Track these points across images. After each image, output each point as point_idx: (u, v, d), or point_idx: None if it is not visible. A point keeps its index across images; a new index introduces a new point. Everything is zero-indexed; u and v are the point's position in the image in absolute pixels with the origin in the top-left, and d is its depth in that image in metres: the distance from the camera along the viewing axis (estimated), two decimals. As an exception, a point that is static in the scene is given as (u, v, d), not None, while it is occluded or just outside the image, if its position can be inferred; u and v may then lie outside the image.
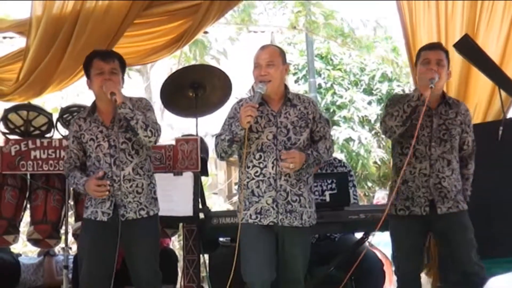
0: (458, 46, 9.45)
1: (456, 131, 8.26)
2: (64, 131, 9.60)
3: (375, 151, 21.95)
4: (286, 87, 8.15)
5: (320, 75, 22.03)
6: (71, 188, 9.44)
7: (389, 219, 8.47)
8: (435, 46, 8.57)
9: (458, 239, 8.23)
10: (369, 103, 22.05)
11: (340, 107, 22.00)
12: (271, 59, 8.00)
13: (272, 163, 7.92)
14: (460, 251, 8.21)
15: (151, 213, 8.07)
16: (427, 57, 8.32)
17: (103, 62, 8.05)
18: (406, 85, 22.07)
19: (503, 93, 9.64)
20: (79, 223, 9.36)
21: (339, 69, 22.05)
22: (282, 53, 8.21)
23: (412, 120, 8.16)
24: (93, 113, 8.09)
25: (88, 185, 7.78)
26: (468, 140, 8.35)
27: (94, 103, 8.11)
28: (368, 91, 22.17)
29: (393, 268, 9.02)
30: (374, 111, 21.98)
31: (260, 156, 7.94)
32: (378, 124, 21.99)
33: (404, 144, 8.29)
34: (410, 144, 8.19)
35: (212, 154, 9.68)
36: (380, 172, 22.57)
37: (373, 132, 22.22)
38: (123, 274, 8.58)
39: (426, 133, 8.24)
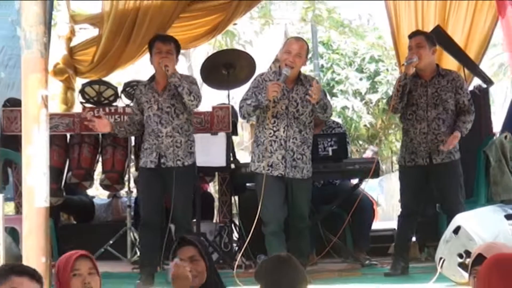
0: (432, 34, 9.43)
1: (447, 95, 8.23)
2: (127, 101, 9.70)
3: (365, 117, 22.01)
4: (299, 71, 8.23)
5: (322, 58, 22.10)
6: (132, 145, 9.62)
7: (400, 169, 8.62)
8: (414, 34, 8.59)
9: (448, 183, 8.27)
10: (360, 79, 22.10)
11: (337, 83, 22.07)
12: (300, 51, 8.04)
13: (284, 128, 7.98)
14: (449, 192, 8.27)
15: (186, 163, 8.11)
16: (410, 44, 8.33)
17: (162, 44, 8.19)
18: (389, 65, 22.10)
19: (467, 71, 9.66)
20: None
21: (337, 53, 22.10)
22: (307, 49, 8.33)
23: (411, 92, 8.23)
24: (151, 82, 8.23)
25: None
26: (463, 100, 8.26)
27: (153, 75, 8.25)
28: (360, 70, 22.22)
29: (378, 207, 9.10)
30: (364, 85, 22.04)
31: (274, 122, 7.97)
32: (368, 95, 22.16)
33: (407, 111, 8.32)
34: (412, 111, 8.27)
35: (239, 118, 9.78)
36: (369, 133, 22.64)
37: (363, 102, 22.23)
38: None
39: (423, 100, 8.25)
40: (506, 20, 7.14)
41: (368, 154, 16.53)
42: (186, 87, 7.98)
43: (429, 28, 10.01)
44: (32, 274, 4.68)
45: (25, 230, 7.21)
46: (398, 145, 23.48)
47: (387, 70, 22.09)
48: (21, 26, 7.43)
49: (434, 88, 8.27)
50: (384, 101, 21.71)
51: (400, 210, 8.75)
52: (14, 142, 8.37)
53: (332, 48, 21.86)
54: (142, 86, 8.38)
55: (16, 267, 4.93)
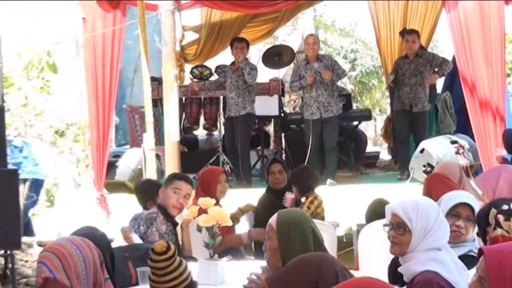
0: (401, 33, 9.32)
1: (423, 68, 8.34)
2: (216, 77, 9.61)
3: (348, 86, 21.57)
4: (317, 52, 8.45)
5: (321, 51, 22.11)
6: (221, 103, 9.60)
7: (395, 113, 8.72)
8: (410, 32, 8.67)
9: (421, 125, 8.46)
10: (345, 63, 21.92)
11: (331, 65, 22.12)
12: (315, 41, 8.39)
13: (315, 90, 8.21)
14: (420, 130, 8.46)
15: (242, 113, 8.33)
16: (407, 38, 8.49)
17: (238, 43, 8.43)
18: (362, 53, 21.91)
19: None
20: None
21: (330, 47, 21.89)
22: (318, 39, 8.73)
23: (401, 68, 8.41)
24: (231, 65, 8.51)
25: None
26: (438, 61, 8.41)
27: (233, 61, 8.47)
28: (344, 57, 22.00)
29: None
30: (347, 67, 21.68)
31: (310, 87, 8.24)
32: (349, 73, 21.96)
33: (399, 78, 8.45)
34: (402, 78, 8.42)
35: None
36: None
37: (346, 77, 22.01)
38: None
39: (408, 72, 8.38)
40: (450, 16, 7.12)
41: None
42: (248, 70, 8.22)
43: (396, 23, 9.88)
44: (186, 178, 4.86)
45: (166, 155, 7.51)
46: (368, 102, 23.48)
47: (361, 57, 22.01)
48: (161, 32, 7.71)
49: (415, 64, 8.40)
50: (360, 75, 21.85)
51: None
52: (154, 103, 8.51)
53: (327, 44, 21.72)
54: (228, 67, 8.66)
55: (177, 174, 5.16)
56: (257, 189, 7.08)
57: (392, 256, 3.37)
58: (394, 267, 3.30)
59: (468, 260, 3.26)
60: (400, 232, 2.98)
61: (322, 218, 5.47)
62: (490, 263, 2.36)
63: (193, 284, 2.93)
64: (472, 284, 2.45)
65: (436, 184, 4.42)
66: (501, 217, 3.25)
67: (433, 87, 9.12)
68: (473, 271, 3.15)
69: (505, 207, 3.27)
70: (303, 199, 5.60)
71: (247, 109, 8.41)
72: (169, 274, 2.86)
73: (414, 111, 8.39)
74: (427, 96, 8.48)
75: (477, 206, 3.58)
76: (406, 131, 8.55)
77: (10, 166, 5.98)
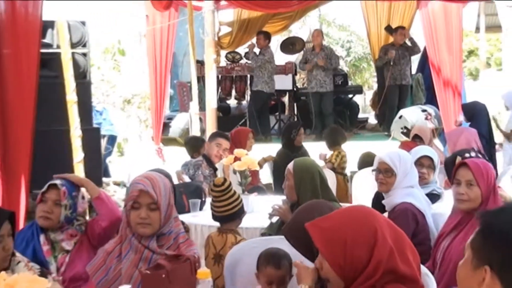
0: (385, 29, 9.34)
1: (406, 53, 8.41)
2: (245, 61, 9.55)
3: (344, 68, 21.58)
4: (321, 42, 8.47)
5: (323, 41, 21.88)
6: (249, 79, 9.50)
7: (390, 87, 8.50)
8: (402, 28, 8.61)
9: (404, 95, 8.49)
10: (342, 51, 21.72)
11: (331, 52, 21.94)
12: (318, 34, 8.47)
13: (315, 71, 8.28)
14: (404, 100, 8.47)
15: (254, 89, 8.45)
16: (401, 32, 8.47)
17: (258, 35, 8.58)
18: (356, 43, 21.62)
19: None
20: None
21: (330, 38, 21.64)
22: (322, 34, 8.79)
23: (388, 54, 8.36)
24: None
25: None
26: (412, 47, 8.44)
27: None
28: (342, 46, 21.74)
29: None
30: (344, 53, 21.58)
31: (312, 70, 8.28)
32: (345, 58, 21.73)
33: (390, 61, 8.38)
34: (393, 61, 8.36)
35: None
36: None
37: (343, 61, 21.80)
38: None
39: (397, 56, 8.36)
40: (422, 15, 7.16)
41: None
42: (252, 55, 8.40)
43: (382, 20, 9.64)
44: (226, 136, 4.87)
45: (207, 118, 7.55)
46: (359, 81, 23.24)
47: (355, 46, 21.64)
48: (203, 26, 7.75)
49: (402, 50, 8.43)
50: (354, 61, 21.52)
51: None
52: (198, 79, 8.17)
53: (329, 36, 21.28)
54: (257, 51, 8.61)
55: (219, 133, 5.11)
56: (275, 144, 7.12)
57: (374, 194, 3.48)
58: (376, 201, 3.43)
59: (431, 197, 3.41)
60: (387, 175, 3.09)
61: (344, 169, 5.47)
62: (474, 168, 2.50)
63: (242, 211, 3.05)
64: (462, 189, 2.52)
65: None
66: None
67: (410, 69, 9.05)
68: (436, 205, 3.32)
69: (467, 154, 3.39)
70: (330, 152, 5.60)
71: (258, 87, 8.47)
72: (223, 201, 2.99)
73: (403, 84, 8.45)
74: (409, 72, 8.55)
75: (436, 157, 3.67)
76: (395, 101, 8.57)
77: (94, 126, 6.13)
